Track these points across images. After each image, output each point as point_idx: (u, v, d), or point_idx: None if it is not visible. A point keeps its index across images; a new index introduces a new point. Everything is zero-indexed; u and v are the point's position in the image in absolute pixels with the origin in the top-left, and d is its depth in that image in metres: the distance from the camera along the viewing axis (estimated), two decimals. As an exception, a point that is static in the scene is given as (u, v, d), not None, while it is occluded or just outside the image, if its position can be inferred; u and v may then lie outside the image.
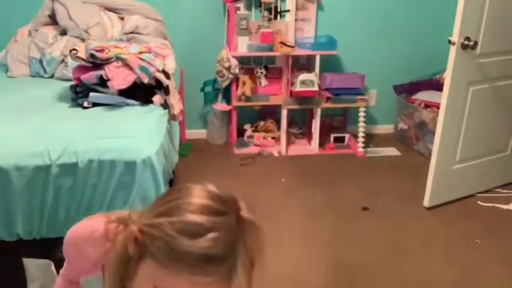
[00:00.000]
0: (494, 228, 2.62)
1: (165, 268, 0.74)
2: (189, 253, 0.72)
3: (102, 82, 2.19)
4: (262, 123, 3.76)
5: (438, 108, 2.72)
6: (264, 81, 3.65)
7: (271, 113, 3.76)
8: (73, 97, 2.25)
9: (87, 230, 0.93)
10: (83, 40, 2.73)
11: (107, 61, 2.22)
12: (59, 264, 1.85)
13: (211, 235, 0.73)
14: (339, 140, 3.72)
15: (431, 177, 2.74)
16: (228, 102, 3.63)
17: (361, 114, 3.53)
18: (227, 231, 0.75)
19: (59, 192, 1.74)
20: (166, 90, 2.35)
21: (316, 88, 3.37)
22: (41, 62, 2.87)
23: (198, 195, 0.78)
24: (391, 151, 3.68)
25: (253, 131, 3.73)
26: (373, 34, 3.74)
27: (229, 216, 0.77)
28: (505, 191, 3.02)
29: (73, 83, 2.30)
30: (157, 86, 2.32)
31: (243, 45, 3.39)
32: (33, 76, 2.87)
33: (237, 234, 0.76)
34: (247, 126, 3.74)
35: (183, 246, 0.72)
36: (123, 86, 2.18)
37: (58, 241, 1.83)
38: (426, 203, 2.80)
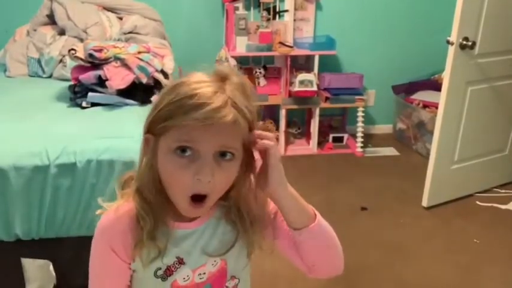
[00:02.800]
0: (492, 228, 2.63)
1: (176, 127, 0.80)
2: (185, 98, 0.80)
3: (101, 82, 2.18)
4: (260, 123, 3.75)
5: (437, 108, 2.73)
6: (262, 81, 3.65)
7: (269, 113, 3.76)
8: (71, 97, 2.25)
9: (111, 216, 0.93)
10: (81, 40, 2.72)
11: (106, 61, 2.22)
12: (57, 264, 1.86)
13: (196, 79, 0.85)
14: (338, 139, 3.72)
15: (429, 177, 2.74)
16: (227, 102, 3.63)
17: (360, 114, 3.54)
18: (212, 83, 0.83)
19: (57, 192, 1.74)
20: (165, 90, 2.35)
21: (314, 88, 3.38)
22: (39, 62, 2.86)
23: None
24: (390, 151, 3.68)
25: (252, 131, 3.73)
26: (371, 34, 3.75)
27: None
28: (503, 191, 3.03)
29: (71, 83, 2.29)
30: (156, 86, 2.31)
31: (242, 45, 3.39)
32: (31, 76, 2.87)
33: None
34: (246, 126, 3.74)
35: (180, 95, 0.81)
36: (122, 86, 2.17)
37: (56, 241, 1.83)
38: (425, 202, 2.80)
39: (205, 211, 0.88)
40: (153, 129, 0.85)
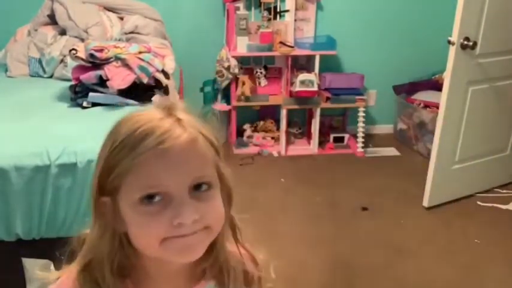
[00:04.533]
0: (493, 228, 2.62)
1: (133, 174, 0.66)
2: (128, 137, 0.67)
3: (102, 82, 2.18)
4: (261, 123, 3.76)
5: (437, 108, 2.73)
6: (263, 81, 3.65)
7: (270, 113, 3.76)
8: (72, 97, 2.25)
9: None
10: (82, 40, 2.72)
11: (107, 61, 2.22)
12: (58, 264, 1.86)
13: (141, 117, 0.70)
14: (339, 140, 3.72)
15: (430, 177, 2.74)
16: (228, 102, 3.63)
17: (361, 114, 3.54)
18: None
19: (58, 192, 1.74)
20: (165, 90, 2.35)
21: (315, 88, 3.37)
22: (40, 62, 2.86)
23: None
24: (391, 151, 3.68)
25: (253, 131, 3.73)
26: (372, 34, 3.74)
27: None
28: (504, 191, 3.02)
29: (72, 83, 2.29)
30: (157, 86, 2.31)
31: (243, 45, 3.39)
32: (32, 76, 2.87)
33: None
34: (246, 126, 3.74)
35: (123, 135, 0.69)
36: (123, 86, 2.17)
37: (57, 241, 1.83)
38: (426, 203, 2.80)
39: (199, 254, 0.71)
40: (106, 187, 0.70)
